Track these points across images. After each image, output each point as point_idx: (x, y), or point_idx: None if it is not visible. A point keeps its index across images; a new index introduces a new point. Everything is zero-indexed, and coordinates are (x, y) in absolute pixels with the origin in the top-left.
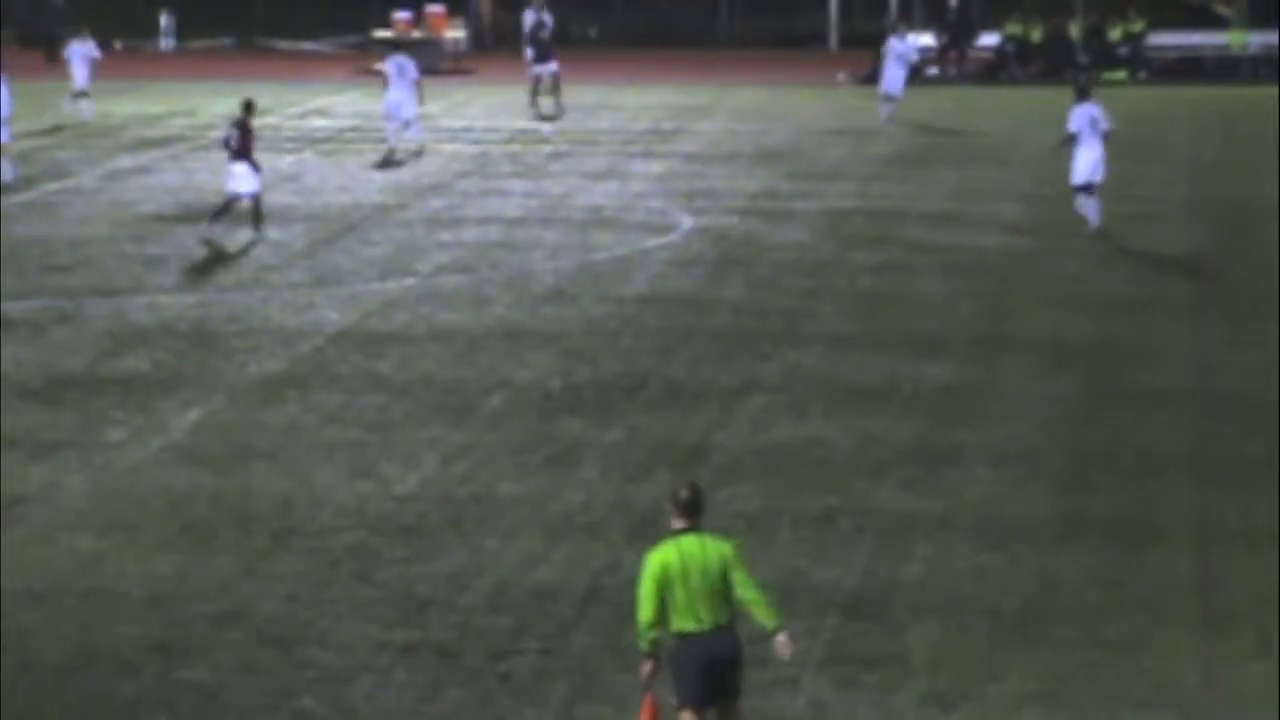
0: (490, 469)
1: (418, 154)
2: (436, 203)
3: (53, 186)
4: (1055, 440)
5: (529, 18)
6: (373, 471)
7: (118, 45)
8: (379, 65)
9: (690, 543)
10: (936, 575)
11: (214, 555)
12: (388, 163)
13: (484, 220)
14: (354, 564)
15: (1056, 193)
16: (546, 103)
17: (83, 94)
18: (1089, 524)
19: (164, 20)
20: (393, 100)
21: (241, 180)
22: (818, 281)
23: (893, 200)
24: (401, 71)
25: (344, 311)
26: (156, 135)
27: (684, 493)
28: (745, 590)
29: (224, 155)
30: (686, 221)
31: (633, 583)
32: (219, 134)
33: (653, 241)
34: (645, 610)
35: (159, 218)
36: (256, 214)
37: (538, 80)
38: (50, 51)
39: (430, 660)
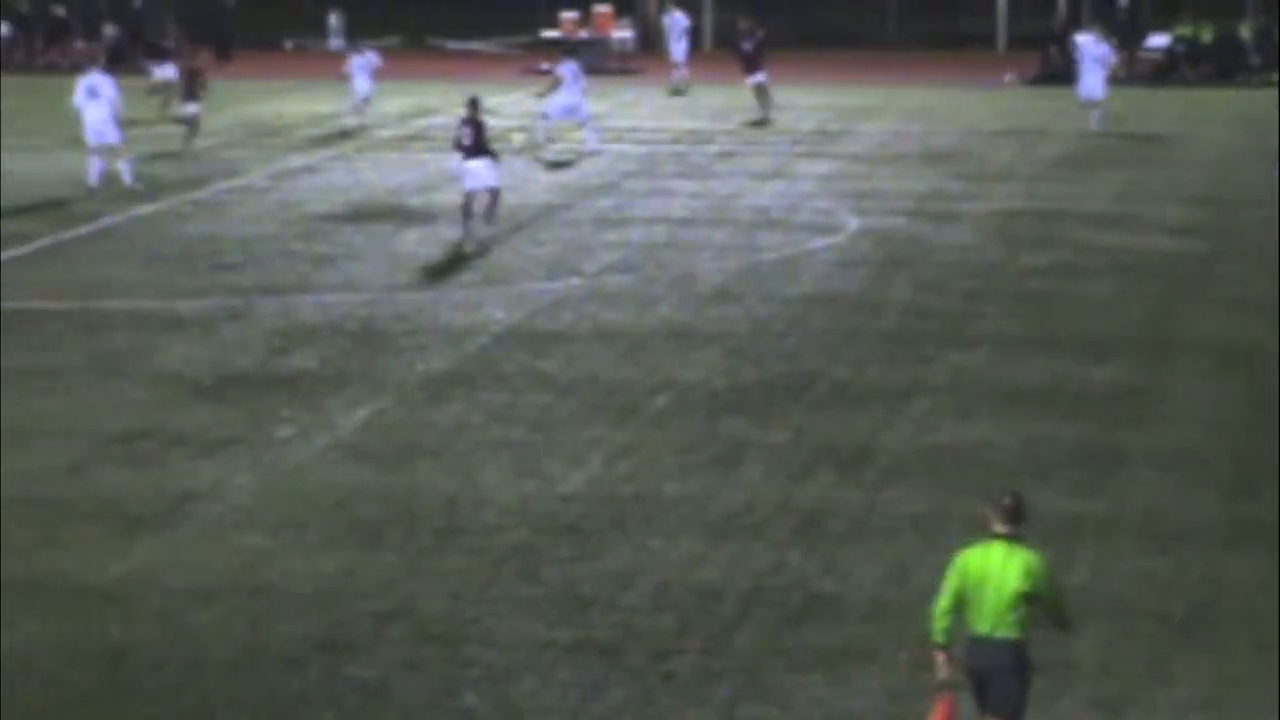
0: (654, 469)
1: (592, 155)
2: (603, 202)
3: (223, 185)
4: (1223, 444)
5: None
6: (537, 470)
7: (287, 45)
8: (554, 68)
9: (998, 550)
10: (1102, 579)
11: (380, 553)
12: (537, 160)
13: (650, 220)
14: (518, 562)
15: (1228, 196)
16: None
17: (364, 102)
18: (1257, 528)
19: (333, 20)
20: (565, 104)
21: (480, 176)
22: (984, 283)
23: (1060, 202)
24: (575, 77)
25: (510, 310)
26: (326, 135)
27: (1006, 500)
28: (1047, 602)
29: (391, 154)
30: (852, 222)
31: (797, 583)
32: (452, 132)
33: (819, 242)
34: (941, 600)
35: (328, 217)
36: (492, 209)
37: (759, 88)
38: (221, 50)
39: (593, 659)
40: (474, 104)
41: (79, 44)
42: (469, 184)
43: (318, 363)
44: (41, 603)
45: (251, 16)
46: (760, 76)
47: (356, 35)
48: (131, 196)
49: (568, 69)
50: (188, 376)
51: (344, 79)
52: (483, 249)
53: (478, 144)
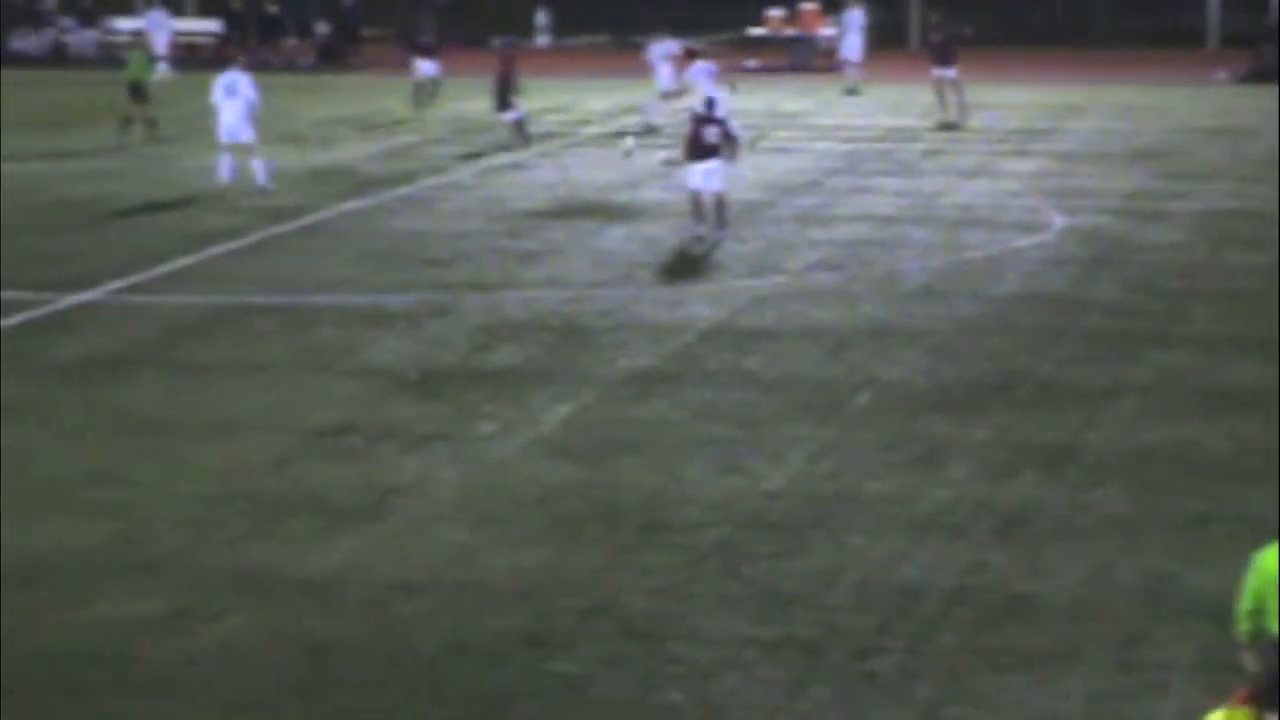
0: (857, 467)
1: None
2: (807, 200)
3: (431, 182)
4: None
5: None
6: (740, 467)
7: (494, 43)
8: (690, 70)
9: None
10: None
11: (582, 549)
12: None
13: (855, 218)
14: (721, 559)
15: None
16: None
17: (672, 94)
18: None
19: (541, 18)
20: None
21: (713, 177)
22: (1192, 283)
23: (1272, 201)
24: (708, 76)
25: (714, 307)
26: (531, 131)
27: None
28: None
29: (597, 151)
30: (1058, 220)
31: (999, 583)
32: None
33: (1024, 240)
34: (1242, 600)
35: (533, 213)
36: (720, 211)
37: (940, 83)
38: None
39: (794, 657)
40: (712, 104)
41: (291, 41)
42: (700, 184)
43: (521, 359)
44: (249, 594)
45: (460, 14)
46: (950, 71)
47: (563, 32)
48: (337, 194)
49: (704, 71)
50: (394, 371)
51: (645, 71)
52: (689, 247)
53: (720, 144)
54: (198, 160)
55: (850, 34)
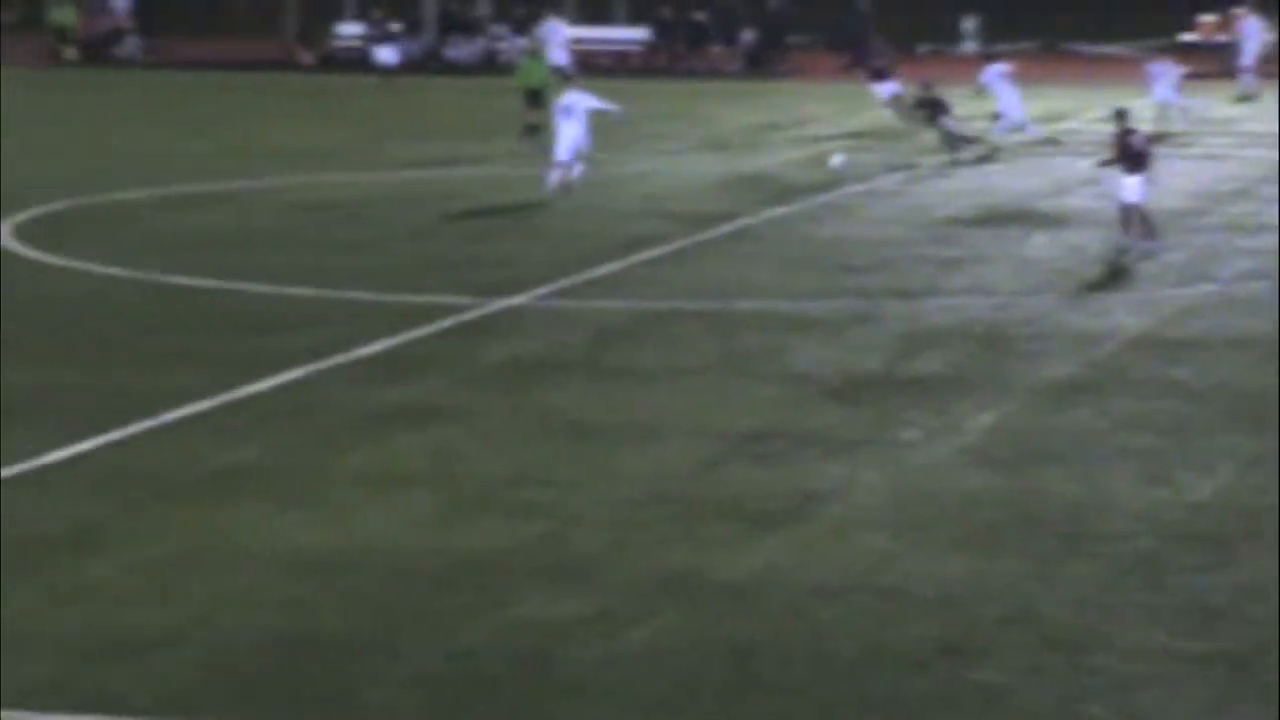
0: None
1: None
2: (1238, 208)
3: (854, 189)
4: None
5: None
6: (1166, 478)
7: (921, 49)
8: (989, 76)
9: None
10: None
11: (1003, 558)
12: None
13: None
14: (1144, 571)
15: None
16: None
17: (1164, 107)
18: None
19: (968, 24)
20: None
21: (1132, 190)
22: None
23: None
24: (1001, 77)
25: (1140, 316)
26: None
27: None
28: None
29: (1022, 158)
30: None
31: None
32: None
33: None
34: None
35: (956, 220)
36: (1145, 223)
37: None
38: (853, 55)
39: (1221, 672)
40: (1124, 115)
41: (717, 49)
42: (1134, 198)
43: (944, 366)
44: (671, 597)
45: (887, 20)
46: None
47: (992, 38)
48: (762, 200)
49: (995, 74)
50: (816, 377)
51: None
52: (1115, 256)
53: (1135, 159)
54: (620, 169)
55: (1248, 41)
